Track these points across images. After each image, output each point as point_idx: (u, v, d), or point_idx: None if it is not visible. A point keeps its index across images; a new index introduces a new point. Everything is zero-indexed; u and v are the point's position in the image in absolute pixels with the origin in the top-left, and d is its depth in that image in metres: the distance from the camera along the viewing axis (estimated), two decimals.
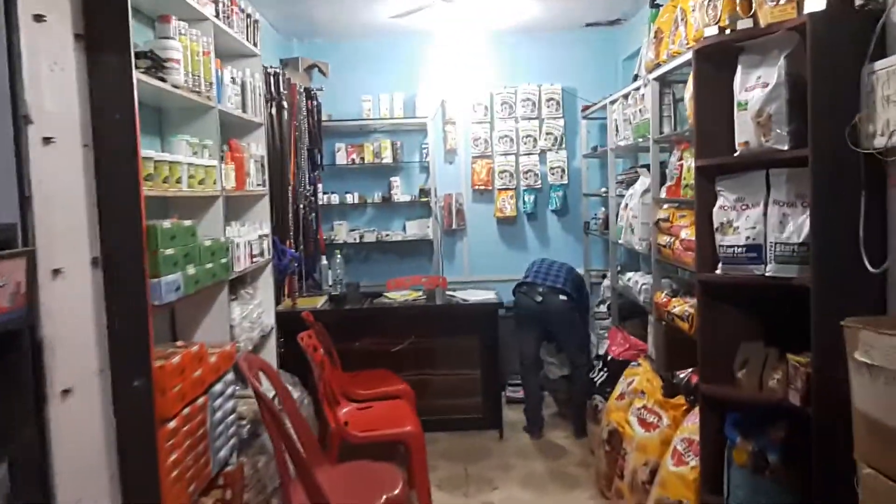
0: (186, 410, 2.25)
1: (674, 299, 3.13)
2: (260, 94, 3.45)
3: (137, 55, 2.11)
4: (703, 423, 2.51)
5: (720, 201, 2.41)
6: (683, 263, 2.97)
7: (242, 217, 3.35)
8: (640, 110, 3.67)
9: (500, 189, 5.55)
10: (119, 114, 1.96)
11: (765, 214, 2.27)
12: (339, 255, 4.75)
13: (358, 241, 5.38)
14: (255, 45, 3.39)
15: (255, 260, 3.20)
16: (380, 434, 3.10)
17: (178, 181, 2.35)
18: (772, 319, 2.44)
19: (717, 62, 2.44)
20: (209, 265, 2.50)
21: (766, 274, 2.24)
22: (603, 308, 4.65)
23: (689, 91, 2.95)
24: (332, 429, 3.04)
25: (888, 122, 1.82)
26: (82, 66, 1.93)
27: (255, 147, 3.35)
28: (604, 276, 4.87)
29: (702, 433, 2.51)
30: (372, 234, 5.40)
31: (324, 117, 4.98)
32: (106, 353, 1.98)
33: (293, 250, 4.05)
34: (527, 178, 5.52)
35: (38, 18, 1.73)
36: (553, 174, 5.51)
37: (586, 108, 5.25)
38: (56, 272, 1.75)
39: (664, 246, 3.19)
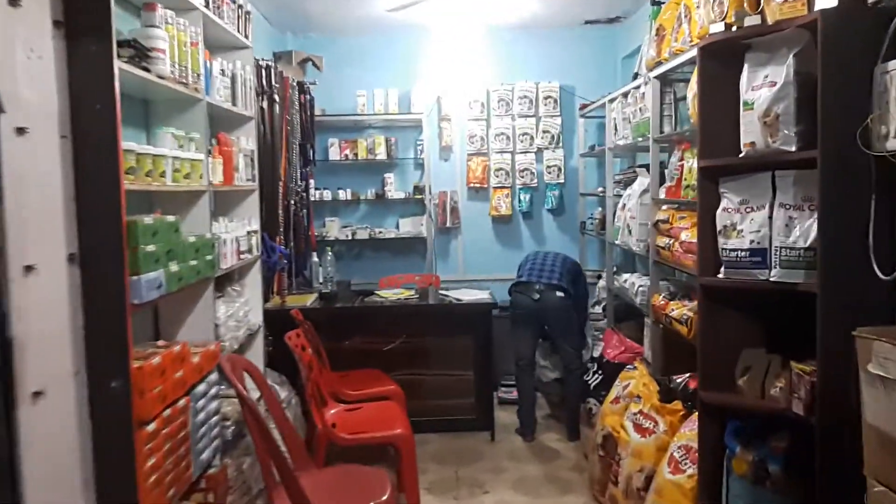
0: (167, 412, 2.17)
1: (672, 302, 3.07)
2: (251, 88, 3.35)
3: (120, 44, 2.03)
4: (702, 430, 2.44)
5: (724, 203, 2.34)
6: (683, 266, 2.90)
7: (231, 213, 3.26)
8: (640, 109, 3.59)
9: (495, 187, 5.47)
10: (99, 104, 1.88)
11: (770, 218, 2.20)
12: (330, 253, 4.66)
13: (350, 238, 5.30)
14: (246, 36, 3.30)
15: (242, 257, 3.11)
16: (368, 437, 3.02)
17: (162, 175, 2.26)
18: (774, 326, 2.37)
19: (722, 60, 2.37)
20: (193, 262, 2.41)
21: (771, 279, 2.17)
22: (598, 309, 4.58)
23: (691, 90, 2.87)
24: (319, 430, 2.95)
25: None
26: (61, 55, 1.85)
27: (245, 141, 3.26)
28: (599, 277, 4.80)
29: (700, 441, 2.44)
30: (364, 231, 5.32)
31: (317, 112, 4.89)
32: (82, 353, 1.90)
33: (283, 247, 3.96)
34: (523, 177, 5.45)
35: (14, 3, 1.65)
36: (549, 173, 5.44)
37: (584, 106, 5.19)
38: (28, 269, 1.67)
39: (663, 248, 3.13)
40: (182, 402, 2.29)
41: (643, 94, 3.54)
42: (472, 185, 5.49)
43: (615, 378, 3.45)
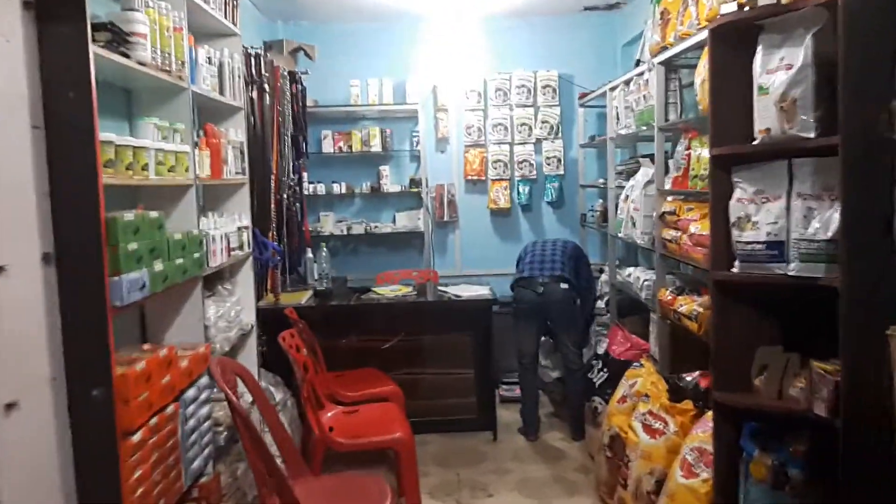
0: (153, 421, 2.06)
1: (680, 297, 2.96)
2: (239, 77, 3.22)
3: (96, 27, 1.91)
4: (717, 432, 2.32)
5: (737, 194, 2.22)
6: (692, 259, 2.79)
7: (220, 208, 3.13)
8: (643, 97, 3.47)
9: (493, 179, 5.35)
10: (73, 92, 1.76)
11: (787, 208, 2.08)
12: (325, 248, 4.53)
13: (345, 233, 5.18)
14: (234, 23, 3.16)
15: (233, 253, 2.98)
16: (367, 441, 2.90)
17: (145, 168, 2.13)
18: (791, 322, 2.26)
19: (734, 42, 2.25)
20: (180, 260, 2.29)
21: (789, 273, 2.06)
22: (601, 304, 4.47)
23: (699, 75, 2.76)
24: (315, 435, 2.84)
25: None
26: (32, 39, 1.73)
27: (234, 133, 3.13)
28: (601, 271, 4.68)
29: (715, 444, 2.33)
30: (360, 225, 5.20)
31: (309, 103, 4.76)
32: (60, 360, 1.78)
33: (276, 243, 3.83)
34: (521, 169, 5.33)
35: None
36: (549, 164, 5.31)
37: (584, 95, 5.07)
38: None
39: (670, 240, 3.02)
40: (170, 409, 2.18)
41: (647, 80, 3.42)
42: (469, 177, 5.37)
43: (621, 375, 3.34)
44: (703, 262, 2.67)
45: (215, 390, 2.53)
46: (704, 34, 2.66)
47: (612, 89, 4.16)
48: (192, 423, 2.36)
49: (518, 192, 5.36)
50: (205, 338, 2.61)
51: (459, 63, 5.27)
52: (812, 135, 1.98)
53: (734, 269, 2.23)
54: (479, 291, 4.23)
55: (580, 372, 4.01)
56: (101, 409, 1.82)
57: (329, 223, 5.17)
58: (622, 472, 2.93)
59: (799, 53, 2.00)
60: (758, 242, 2.13)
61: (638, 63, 3.79)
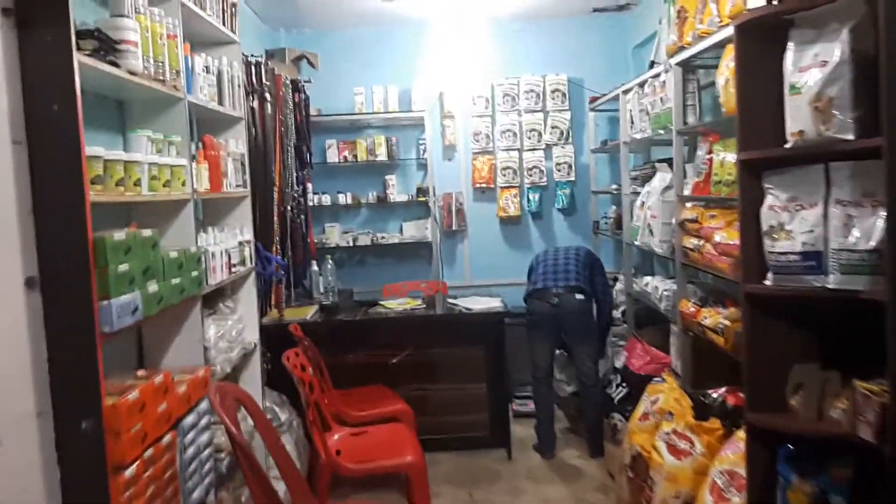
0: (149, 453, 1.94)
1: (703, 309, 2.81)
2: (239, 86, 3.10)
3: (82, 34, 1.79)
4: (750, 456, 2.17)
5: (769, 201, 2.07)
6: (717, 269, 2.65)
7: (220, 222, 3.01)
8: (660, 99, 3.33)
9: (502, 187, 5.21)
10: (57, 104, 1.65)
11: (825, 216, 1.93)
12: (330, 261, 4.41)
13: (351, 244, 5.05)
14: (232, 30, 3.05)
15: (234, 270, 2.86)
16: (376, 466, 2.76)
17: (137, 183, 2.00)
18: (830, 338, 2.11)
19: (762, 39, 2.11)
20: (176, 280, 2.16)
21: (828, 286, 1.91)
22: (616, 314, 4.32)
23: (721, 75, 2.62)
24: (322, 460, 2.70)
25: None
26: (12, 47, 1.62)
27: (235, 144, 3.01)
28: (615, 280, 4.53)
29: (749, 468, 2.17)
30: (366, 236, 5.07)
31: (313, 112, 4.64)
32: (46, 391, 1.66)
33: (279, 257, 3.70)
34: (531, 175, 5.19)
35: None
36: (559, 170, 5.18)
37: (594, 99, 4.93)
38: None
39: (691, 249, 2.87)
40: (167, 439, 2.05)
41: (663, 82, 3.28)
42: (478, 185, 5.23)
43: (641, 390, 3.19)
44: (729, 273, 2.53)
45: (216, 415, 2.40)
46: (726, 32, 2.54)
47: (626, 92, 4.02)
48: (191, 451, 2.24)
49: (528, 200, 5.23)
50: (205, 360, 2.49)
51: (466, 68, 5.16)
52: (851, 136, 1.83)
53: (767, 282, 2.09)
54: (491, 303, 4.09)
55: (597, 387, 3.85)
56: (91, 442, 1.70)
57: (335, 234, 5.05)
58: (645, 493, 2.78)
59: (834, 49, 1.86)
60: (793, 253, 1.98)
61: (652, 64, 3.65)
